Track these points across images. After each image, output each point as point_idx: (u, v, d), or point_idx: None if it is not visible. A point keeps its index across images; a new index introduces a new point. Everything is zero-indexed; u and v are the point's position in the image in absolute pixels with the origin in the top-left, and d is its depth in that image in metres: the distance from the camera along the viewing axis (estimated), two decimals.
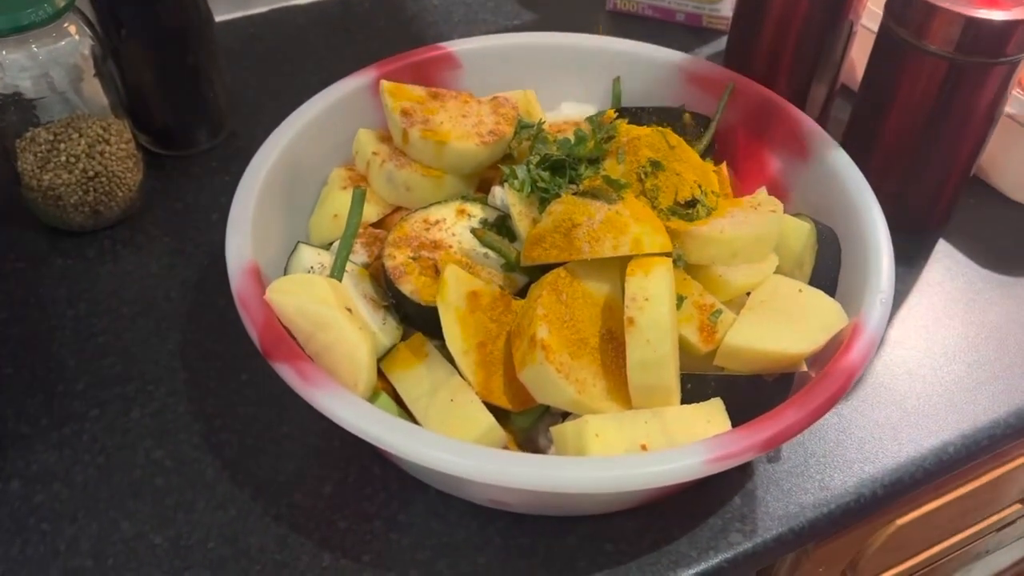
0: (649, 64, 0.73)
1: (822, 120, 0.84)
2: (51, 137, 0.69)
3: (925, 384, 0.66)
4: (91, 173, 0.71)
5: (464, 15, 1.01)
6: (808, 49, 0.77)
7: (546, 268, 0.54)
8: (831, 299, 0.56)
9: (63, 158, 0.70)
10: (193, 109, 0.80)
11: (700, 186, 0.58)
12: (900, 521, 0.74)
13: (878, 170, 0.74)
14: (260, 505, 0.57)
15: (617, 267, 0.54)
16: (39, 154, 0.70)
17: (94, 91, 0.72)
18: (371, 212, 0.65)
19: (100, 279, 0.71)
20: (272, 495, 0.58)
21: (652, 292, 0.50)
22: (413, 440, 0.46)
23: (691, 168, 0.59)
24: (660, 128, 0.59)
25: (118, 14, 0.72)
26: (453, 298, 0.53)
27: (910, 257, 0.75)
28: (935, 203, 0.76)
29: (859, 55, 0.83)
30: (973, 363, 0.67)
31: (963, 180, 0.74)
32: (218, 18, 0.97)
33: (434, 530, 0.56)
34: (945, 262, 0.75)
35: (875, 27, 0.72)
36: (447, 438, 0.47)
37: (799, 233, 0.60)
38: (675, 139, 0.59)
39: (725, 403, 0.53)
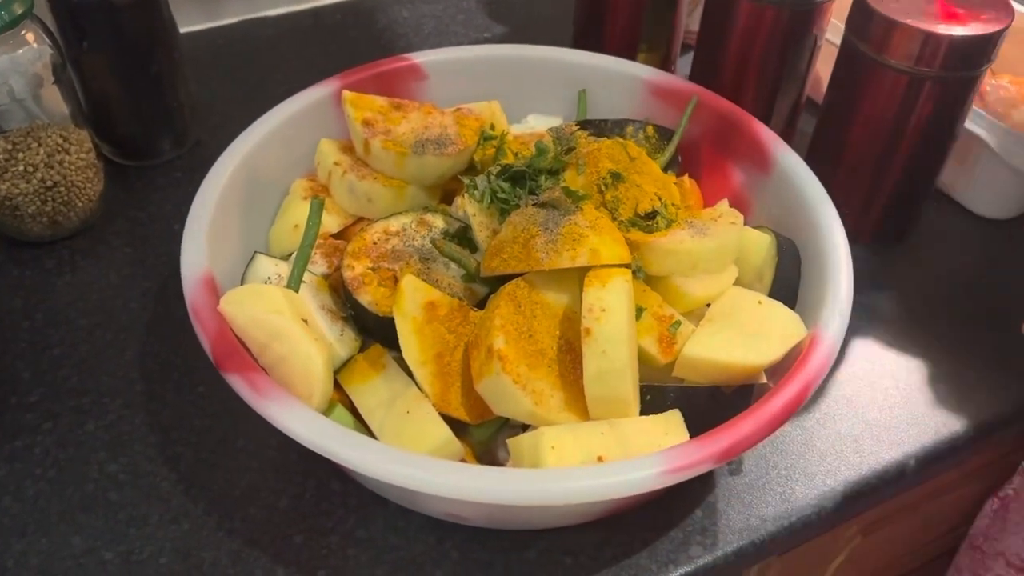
0: (615, 77, 0.73)
1: (788, 133, 0.84)
2: (9, 146, 0.68)
3: (887, 396, 0.66)
4: (49, 183, 0.70)
5: (434, 27, 1.01)
6: (773, 63, 0.78)
7: (506, 279, 0.54)
8: (790, 311, 0.56)
9: (21, 167, 0.69)
10: (157, 119, 0.80)
11: (660, 198, 0.58)
12: (865, 536, 0.73)
13: (842, 183, 0.75)
14: (214, 519, 0.56)
15: (576, 278, 0.53)
16: None
17: (54, 100, 0.71)
18: (332, 223, 0.64)
19: (57, 290, 0.70)
20: (226, 509, 0.57)
21: (609, 303, 0.50)
22: (365, 452, 0.46)
23: (651, 180, 0.59)
24: (620, 140, 0.59)
25: (80, 23, 0.72)
26: (410, 308, 0.53)
27: (873, 270, 0.75)
28: (898, 216, 0.76)
29: (824, 69, 0.84)
30: (934, 376, 0.67)
31: (925, 193, 0.75)
32: (186, 29, 0.97)
33: (392, 545, 0.55)
34: (908, 275, 0.75)
35: (839, 41, 0.72)
36: (400, 451, 0.46)
37: (759, 245, 0.60)
38: (635, 151, 0.59)
39: (684, 415, 0.52)
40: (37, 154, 0.69)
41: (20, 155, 0.69)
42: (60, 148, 0.70)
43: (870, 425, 0.64)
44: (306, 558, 0.54)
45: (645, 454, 0.48)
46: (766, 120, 0.82)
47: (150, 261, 0.73)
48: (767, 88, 0.80)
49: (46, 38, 0.68)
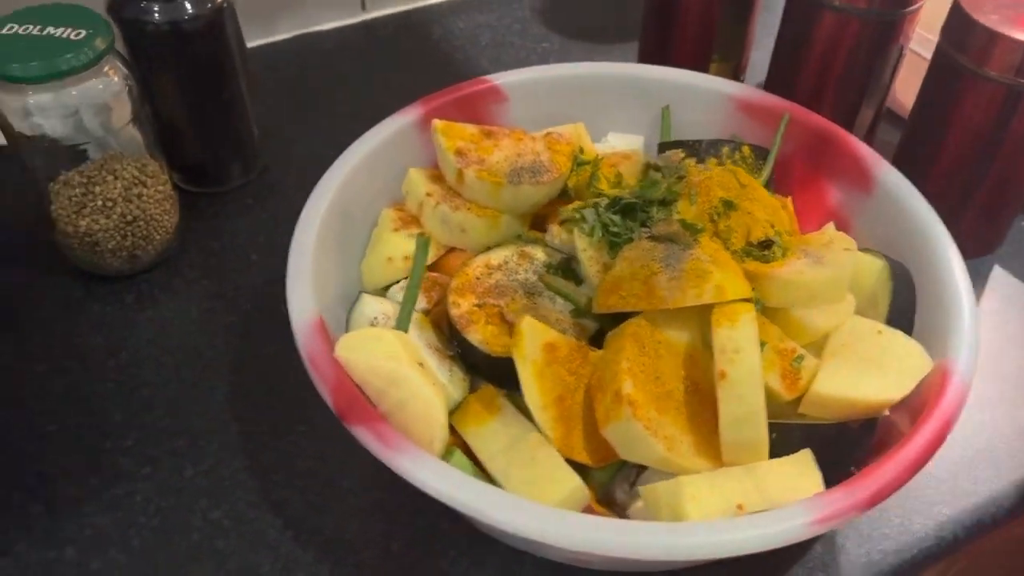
0: (698, 93, 0.71)
1: (868, 145, 0.82)
2: (85, 180, 0.67)
3: (994, 419, 0.64)
4: (129, 217, 0.68)
5: (491, 38, 0.99)
6: (857, 75, 0.76)
7: (619, 315, 0.53)
8: (912, 340, 0.55)
9: (99, 202, 0.67)
10: (227, 145, 0.78)
11: (772, 225, 0.57)
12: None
13: (931, 196, 0.73)
14: (327, 567, 0.55)
15: (695, 314, 0.52)
16: (74, 198, 0.67)
17: (129, 131, 0.70)
18: None
19: (139, 326, 0.69)
20: (339, 555, 0.56)
21: (742, 343, 0.48)
22: (509, 510, 0.44)
23: (763, 207, 0.57)
24: (731, 167, 0.57)
25: (151, 50, 0.70)
26: (530, 351, 0.51)
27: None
28: (989, 228, 0.74)
29: (904, 79, 0.82)
30: None
31: (1017, 205, 0.73)
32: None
33: None
34: (1003, 290, 0.73)
35: (924, 51, 0.70)
36: (543, 508, 0.45)
37: (871, 270, 0.58)
38: (746, 178, 0.57)
39: (813, 452, 0.51)
40: (115, 188, 0.68)
41: (97, 189, 0.67)
42: (137, 181, 0.69)
43: (980, 450, 0.62)
44: None
45: (786, 501, 0.46)
46: (848, 131, 0.80)
47: (229, 294, 0.71)
48: (849, 100, 0.78)
49: (124, 70, 0.66)
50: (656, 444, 0.48)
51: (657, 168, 0.61)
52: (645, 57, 0.88)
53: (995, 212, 0.73)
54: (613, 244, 0.55)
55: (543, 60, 0.96)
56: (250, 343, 0.68)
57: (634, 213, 0.55)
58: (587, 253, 0.55)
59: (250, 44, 0.96)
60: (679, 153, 0.60)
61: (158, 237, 0.71)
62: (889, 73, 0.77)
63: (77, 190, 0.67)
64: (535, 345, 0.52)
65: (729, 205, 0.56)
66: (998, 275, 0.74)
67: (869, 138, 0.82)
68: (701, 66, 0.84)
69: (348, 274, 0.63)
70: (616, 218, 0.55)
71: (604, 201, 0.56)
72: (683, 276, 0.51)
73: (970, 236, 0.75)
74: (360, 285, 0.64)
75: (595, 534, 0.44)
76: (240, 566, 0.55)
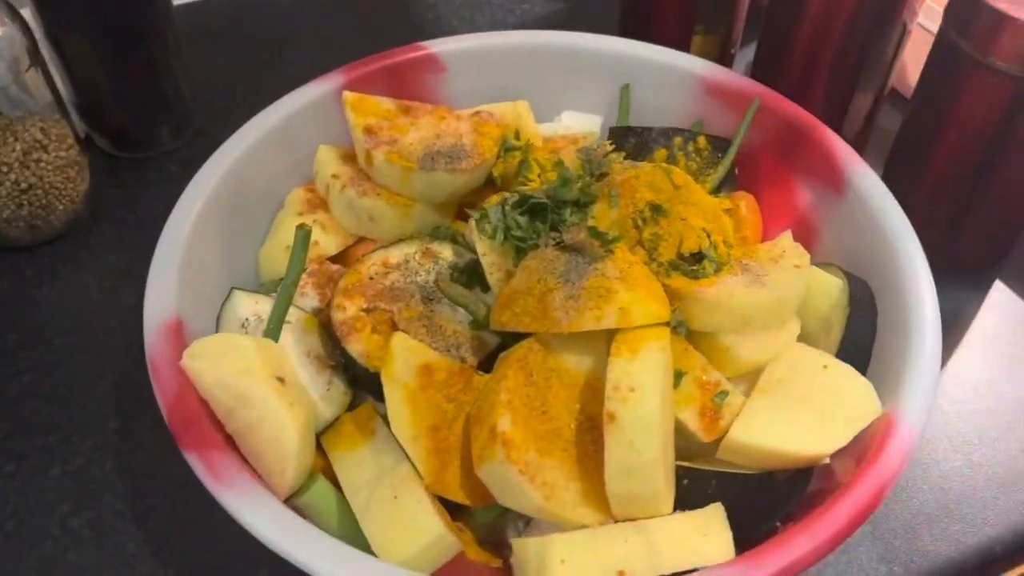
0: (664, 71, 0.63)
1: (865, 133, 0.73)
2: None
3: (971, 464, 0.56)
4: (24, 185, 0.63)
5: None
6: (853, 52, 0.66)
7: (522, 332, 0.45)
8: (863, 380, 0.47)
9: None
10: (151, 106, 0.72)
11: (709, 234, 0.49)
12: None
13: (928, 199, 0.64)
14: None
15: (603, 336, 0.44)
16: None
17: (40, 86, 0.64)
18: (329, 243, 0.56)
19: (35, 303, 0.64)
20: None
21: (640, 380, 0.41)
22: (333, 564, 0.38)
23: (699, 212, 0.49)
24: (663, 165, 0.49)
25: (57, 2, 0.64)
26: (401, 373, 0.44)
27: (963, 302, 0.64)
28: (993, 239, 0.65)
29: (914, 56, 0.72)
30: None
31: None
32: None
33: None
34: (1003, 309, 0.64)
35: (934, 27, 0.61)
36: (374, 563, 0.38)
37: (828, 292, 0.50)
38: (681, 178, 0.49)
39: (729, 505, 0.44)
40: (12, 152, 0.62)
41: None
42: (38, 145, 0.63)
43: (951, 499, 0.54)
44: None
45: (679, 567, 0.39)
46: (842, 116, 0.71)
47: (136, 271, 0.64)
48: (845, 80, 0.69)
49: (13, 23, 0.60)
50: (532, 492, 0.41)
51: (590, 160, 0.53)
52: (625, 26, 0.80)
53: (1000, 222, 0.64)
54: (519, 249, 0.48)
55: (521, 24, 0.88)
56: None
57: (544, 215, 0.47)
58: (488, 258, 0.48)
59: None
60: (605, 146, 0.52)
61: (60, 207, 0.65)
62: (891, 52, 0.67)
63: None
64: (408, 366, 0.45)
65: (658, 210, 0.48)
66: (1001, 293, 0.65)
67: (867, 125, 0.73)
68: (683, 37, 0.75)
69: (246, 263, 0.57)
70: (523, 220, 0.47)
71: (512, 199, 0.48)
72: (582, 295, 0.43)
73: (971, 247, 0.66)
74: (258, 277, 0.57)
75: None
76: None
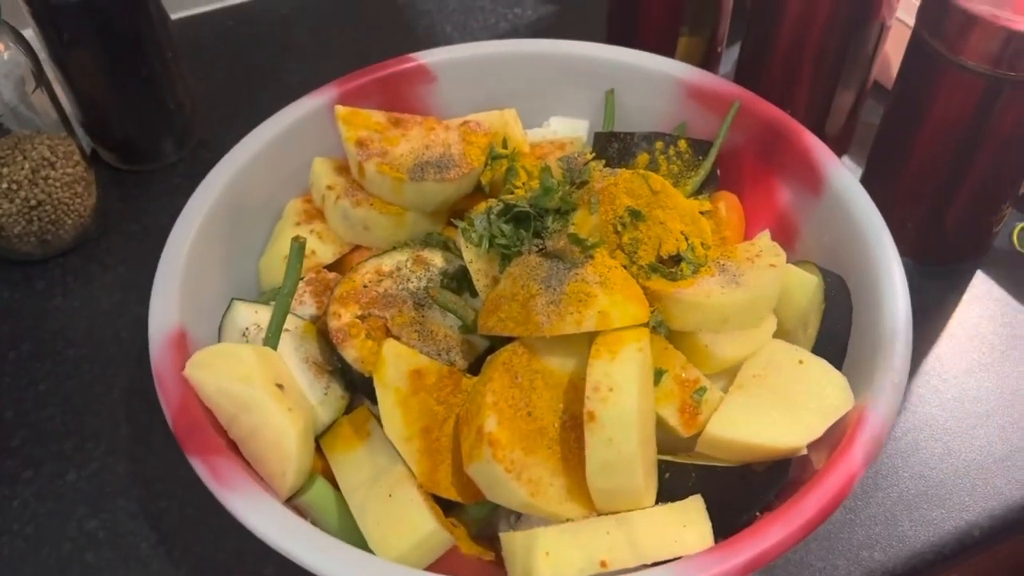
0: (648, 76, 0.65)
1: (849, 128, 0.75)
2: None
3: (949, 451, 0.58)
4: (33, 202, 0.65)
5: (459, 2, 0.93)
6: (832, 51, 0.68)
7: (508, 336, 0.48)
8: (837, 374, 0.49)
9: (4, 185, 0.64)
10: (153, 121, 0.74)
11: (687, 237, 0.51)
12: None
13: (909, 193, 0.66)
14: None
15: (585, 339, 0.47)
16: None
17: (46, 106, 0.66)
18: (326, 252, 0.58)
19: (46, 315, 0.66)
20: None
21: (618, 380, 0.43)
22: (331, 560, 0.40)
23: (677, 216, 0.51)
24: (642, 172, 0.51)
25: (58, 24, 0.66)
26: (393, 378, 0.47)
27: (942, 292, 0.66)
28: (973, 231, 0.67)
29: (896, 49, 0.74)
30: (1007, 425, 0.59)
31: (1004, 207, 0.65)
32: (195, 10, 0.91)
33: None
34: (982, 301, 0.66)
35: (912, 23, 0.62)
36: (370, 559, 0.41)
37: (805, 289, 0.52)
38: (659, 183, 0.51)
39: (708, 496, 0.46)
40: (22, 169, 0.64)
41: (4, 170, 0.64)
42: (46, 162, 0.65)
43: (930, 486, 0.56)
44: None
45: (661, 557, 0.42)
46: (825, 113, 0.73)
47: (143, 282, 0.67)
48: (826, 77, 0.70)
49: (17, 46, 0.62)
50: (518, 488, 0.43)
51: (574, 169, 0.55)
52: (613, 29, 0.81)
53: (979, 215, 0.65)
54: (504, 256, 0.50)
55: (513, 29, 0.90)
56: None
57: (527, 223, 0.50)
58: (475, 265, 0.50)
59: (201, 9, 0.92)
60: (585, 155, 0.54)
61: (69, 221, 0.68)
62: (871, 50, 0.69)
63: None
64: (399, 371, 0.47)
65: (636, 215, 0.50)
66: (981, 284, 0.67)
67: (850, 121, 0.74)
68: (669, 39, 0.76)
69: (247, 273, 0.59)
70: (507, 228, 0.49)
71: (497, 208, 0.51)
72: (563, 300, 0.45)
73: (951, 239, 0.67)
74: (259, 286, 0.60)
75: None
76: None
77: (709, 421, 0.46)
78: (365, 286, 0.53)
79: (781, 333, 0.52)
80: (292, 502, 0.47)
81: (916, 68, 0.61)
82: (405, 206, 0.57)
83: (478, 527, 0.49)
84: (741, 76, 0.76)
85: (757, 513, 0.47)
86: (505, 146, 0.60)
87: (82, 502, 0.56)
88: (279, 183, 0.61)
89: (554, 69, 0.66)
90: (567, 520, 0.44)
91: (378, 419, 0.49)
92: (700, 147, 0.60)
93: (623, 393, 0.43)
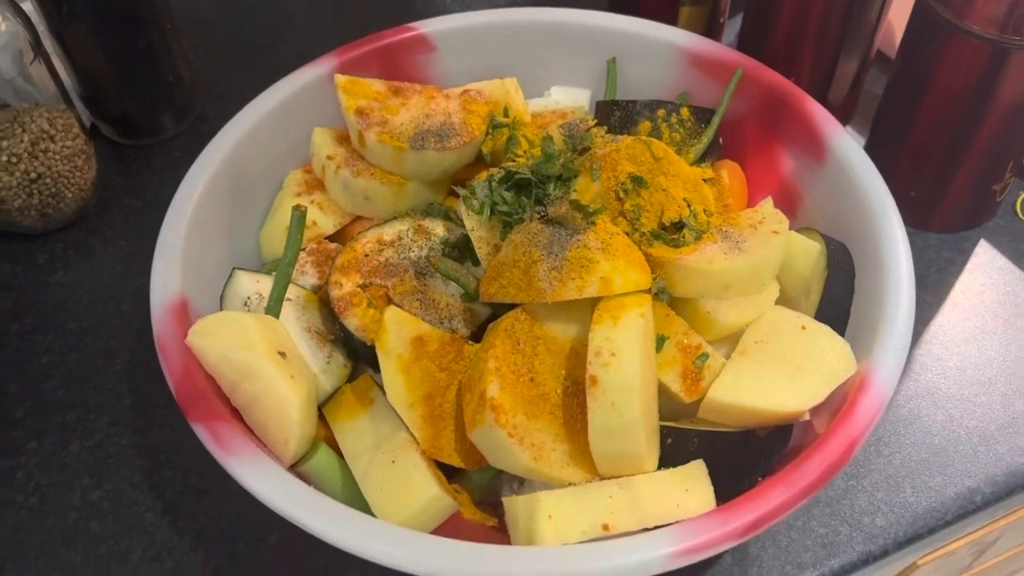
0: (649, 45, 0.64)
1: (853, 96, 0.74)
2: None
3: (951, 418, 0.58)
4: (33, 175, 0.65)
5: None
6: (837, 14, 0.67)
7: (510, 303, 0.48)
8: (839, 339, 0.48)
9: (3, 157, 0.64)
10: (153, 94, 0.74)
11: (689, 204, 0.50)
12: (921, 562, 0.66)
13: (912, 161, 0.65)
14: (200, 555, 0.52)
15: (587, 305, 0.47)
16: None
17: (44, 78, 0.66)
18: (327, 223, 0.58)
19: (48, 289, 0.66)
20: (213, 543, 0.53)
21: (620, 345, 0.43)
22: (333, 524, 0.41)
23: (680, 183, 0.51)
24: (644, 139, 0.51)
25: None
26: (395, 344, 0.47)
27: (945, 261, 0.66)
28: (976, 199, 0.66)
29: (900, 17, 0.73)
30: (1009, 392, 0.59)
31: (1008, 174, 0.65)
32: None
33: None
34: (985, 269, 0.66)
35: None
36: (372, 522, 0.41)
37: (807, 255, 0.52)
38: (661, 150, 0.51)
39: (710, 463, 0.46)
40: (21, 142, 0.64)
41: (4, 143, 0.64)
42: (45, 135, 0.65)
43: (933, 452, 0.56)
44: None
45: (663, 521, 0.42)
46: (829, 82, 0.72)
47: (144, 255, 0.67)
48: (830, 45, 0.70)
49: (15, 18, 0.62)
50: (521, 453, 0.43)
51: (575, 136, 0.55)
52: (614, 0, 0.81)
53: (983, 183, 0.65)
54: (506, 223, 0.50)
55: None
56: None
57: (528, 190, 0.49)
58: (476, 233, 0.50)
59: None
60: (587, 120, 0.54)
61: (70, 195, 0.67)
62: (875, 16, 0.68)
63: None
64: (401, 338, 0.47)
65: (638, 181, 0.49)
66: (984, 252, 0.67)
67: (854, 89, 0.74)
68: (670, 9, 0.76)
69: (248, 244, 0.59)
70: (508, 195, 0.49)
71: (498, 175, 0.50)
72: (565, 266, 0.45)
73: (955, 207, 0.67)
74: (260, 257, 0.60)
75: (419, 556, 0.40)
76: (112, 550, 0.53)
77: (711, 386, 0.46)
78: (366, 255, 0.53)
79: (784, 300, 0.52)
80: (295, 469, 0.47)
81: (921, 34, 0.61)
82: (406, 176, 0.57)
83: (481, 493, 0.49)
84: (744, 46, 0.75)
85: (759, 478, 0.47)
86: (506, 115, 0.60)
87: (86, 473, 0.56)
88: (280, 153, 0.61)
89: (555, 38, 0.66)
90: (569, 485, 0.44)
91: (381, 388, 0.49)
92: (703, 115, 0.60)
93: (625, 358, 0.43)
